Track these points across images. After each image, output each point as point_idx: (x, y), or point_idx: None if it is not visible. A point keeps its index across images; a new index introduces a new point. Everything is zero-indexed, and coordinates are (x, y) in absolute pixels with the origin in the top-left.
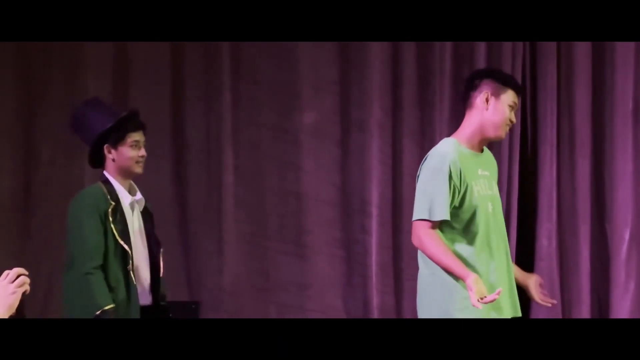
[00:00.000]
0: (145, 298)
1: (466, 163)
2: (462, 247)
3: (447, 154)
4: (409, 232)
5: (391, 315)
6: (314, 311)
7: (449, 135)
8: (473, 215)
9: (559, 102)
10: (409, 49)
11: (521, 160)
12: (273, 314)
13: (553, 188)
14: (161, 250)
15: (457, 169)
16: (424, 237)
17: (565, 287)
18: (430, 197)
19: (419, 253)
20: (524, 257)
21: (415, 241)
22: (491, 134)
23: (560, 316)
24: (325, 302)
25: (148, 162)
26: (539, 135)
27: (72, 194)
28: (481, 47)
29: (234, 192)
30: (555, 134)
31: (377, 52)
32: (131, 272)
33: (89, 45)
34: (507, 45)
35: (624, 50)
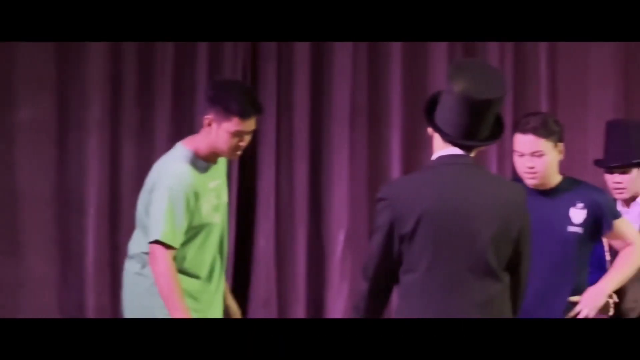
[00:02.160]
0: None
1: (199, 180)
2: (182, 256)
3: (183, 174)
4: (128, 232)
5: (107, 315)
6: (29, 311)
7: (169, 134)
8: (197, 232)
9: (278, 104)
10: (129, 48)
11: (241, 161)
12: None
13: (271, 189)
14: None
15: (192, 192)
16: (162, 266)
17: (281, 288)
18: (167, 221)
19: (130, 246)
20: (242, 256)
21: (152, 263)
22: (221, 154)
23: (276, 316)
24: (40, 302)
25: None
26: (258, 136)
27: None
28: (203, 48)
29: None
30: (275, 135)
31: (96, 50)
32: None
33: None
34: (229, 47)
35: (341, 54)
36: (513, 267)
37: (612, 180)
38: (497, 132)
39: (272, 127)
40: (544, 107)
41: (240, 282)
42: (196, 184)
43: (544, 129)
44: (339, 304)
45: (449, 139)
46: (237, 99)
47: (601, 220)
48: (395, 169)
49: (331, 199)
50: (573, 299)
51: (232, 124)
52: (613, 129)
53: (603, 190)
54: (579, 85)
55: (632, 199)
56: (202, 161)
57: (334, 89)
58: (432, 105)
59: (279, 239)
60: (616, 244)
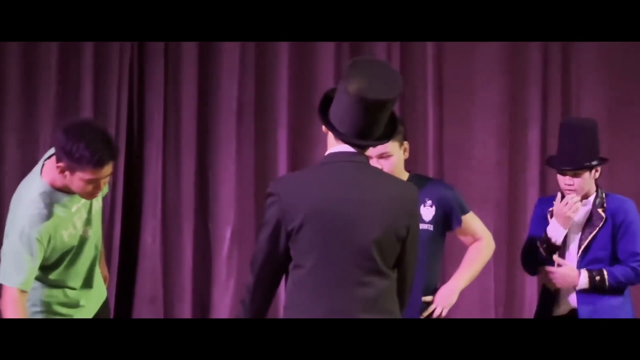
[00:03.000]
0: None
1: (57, 212)
2: (50, 276)
3: (35, 217)
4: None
5: None
6: None
7: (53, 128)
8: (64, 256)
9: (165, 100)
10: (13, 45)
11: (127, 157)
12: None
13: (158, 185)
14: None
15: (45, 232)
16: (9, 307)
17: (168, 285)
18: (19, 266)
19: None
20: (128, 254)
21: (1, 301)
22: None
23: (162, 315)
24: None
25: None
26: (145, 132)
27: None
28: (88, 46)
29: None
30: (162, 132)
31: None
32: None
33: None
34: (115, 44)
35: (229, 53)
36: (400, 264)
37: (564, 181)
38: (390, 130)
39: (159, 125)
40: (430, 106)
41: (126, 279)
42: (50, 223)
43: None
44: (226, 301)
45: (342, 138)
46: (90, 149)
47: (450, 215)
48: (282, 167)
49: (218, 196)
50: (426, 298)
51: (86, 174)
52: (566, 130)
53: (450, 185)
54: (465, 85)
55: (583, 198)
56: (60, 192)
57: (221, 87)
58: (325, 102)
59: (165, 235)
60: (466, 239)
